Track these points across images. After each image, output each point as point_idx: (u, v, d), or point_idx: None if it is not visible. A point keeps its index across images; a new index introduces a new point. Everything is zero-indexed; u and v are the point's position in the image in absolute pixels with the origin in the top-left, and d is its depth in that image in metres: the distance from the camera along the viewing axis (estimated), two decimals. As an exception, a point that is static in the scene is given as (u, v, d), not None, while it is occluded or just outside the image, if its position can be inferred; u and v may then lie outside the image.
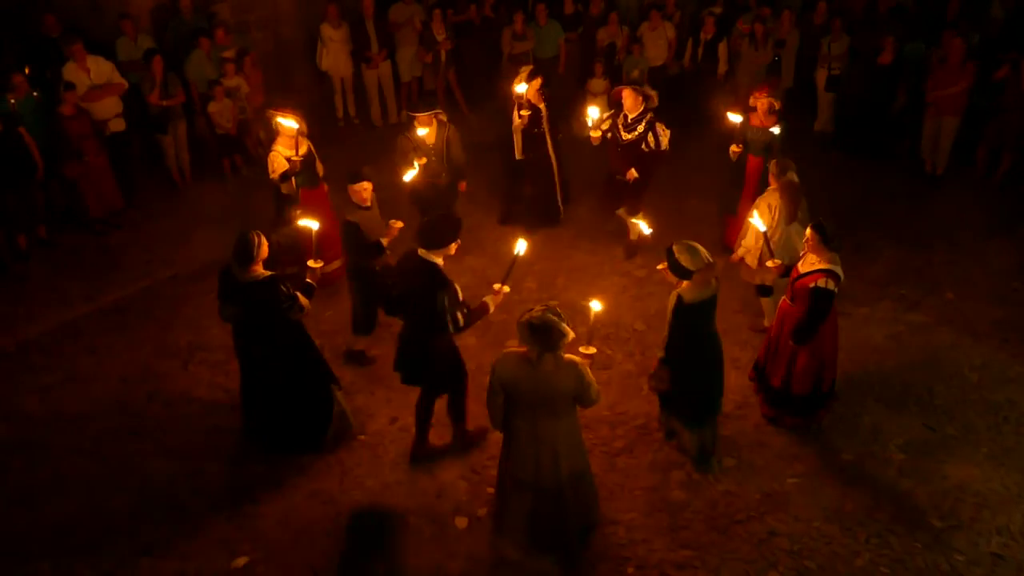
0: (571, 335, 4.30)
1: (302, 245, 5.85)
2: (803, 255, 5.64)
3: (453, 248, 5.13)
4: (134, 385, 6.52)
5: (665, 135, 7.49)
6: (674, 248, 5.09)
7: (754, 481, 5.49)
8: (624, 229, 8.04)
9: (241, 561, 5.02)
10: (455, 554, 5.03)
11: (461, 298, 5.10)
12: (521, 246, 5.17)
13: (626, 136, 7.50)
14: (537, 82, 7.86)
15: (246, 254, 5.13)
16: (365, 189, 6.14)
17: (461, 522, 5.24)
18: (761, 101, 7.33)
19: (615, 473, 5.56)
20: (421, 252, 5.07)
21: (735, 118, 7.20)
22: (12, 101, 7.84)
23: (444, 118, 7.45)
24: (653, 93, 7.72)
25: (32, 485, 5.59)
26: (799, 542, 5.06)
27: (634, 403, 6.17)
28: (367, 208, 6.20)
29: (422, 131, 7.32)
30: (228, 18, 10.20)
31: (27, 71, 8.14)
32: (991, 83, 8.86)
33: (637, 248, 7.96)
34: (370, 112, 11.09)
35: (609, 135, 7.62)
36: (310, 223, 5.52)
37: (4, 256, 7.80)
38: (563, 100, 10.71)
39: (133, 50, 9.12)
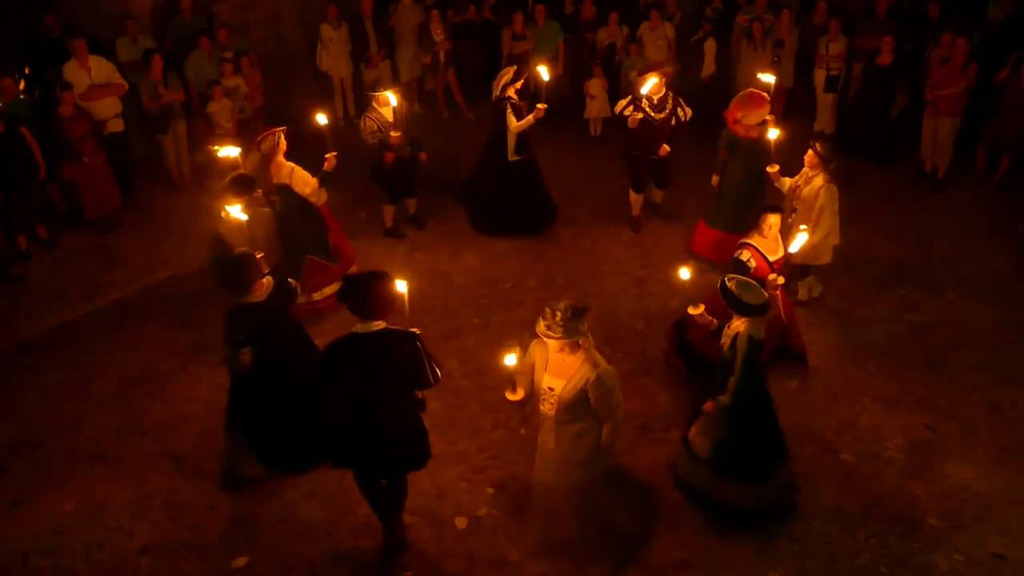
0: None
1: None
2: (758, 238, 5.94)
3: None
4: (134, 385, 6.52)
5: (687, 107, 7.96)
6: (729, 285, 4.81)
7: (754, 481, 5.48)
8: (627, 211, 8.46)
9: (241, 561, 5.02)
10: (455, 554, 5.03)
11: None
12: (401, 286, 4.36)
13: (658, 116, 7.79)
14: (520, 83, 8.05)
15: (249, 274, 4.98)
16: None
17: (461, 522, 5.24)
18: (748, 113, 7.28)
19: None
20: (359, 328, 4.40)
21: (773, 133, 6.79)
22: (0, 104, 7.78)
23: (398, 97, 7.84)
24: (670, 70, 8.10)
25: (32, 485, 5.59)
26: (799, 542, 5.06)
27: (634, 403, 6.16)
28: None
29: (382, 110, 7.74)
30: (228, 18, 10.20)
31: (27, 71, 8.12)
32: (991, 84, 8.86)
33: (640, 225, 8.49)
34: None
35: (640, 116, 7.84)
36: (235, 211, 5.50)
37: (4, 256, 7.79)
38: (561, 101, 10.78)
39: (133, 50, 9.12)
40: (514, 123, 7.95)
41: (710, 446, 5.06)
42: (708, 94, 10.18)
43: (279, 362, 5.22)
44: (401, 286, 4.31)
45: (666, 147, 7.93)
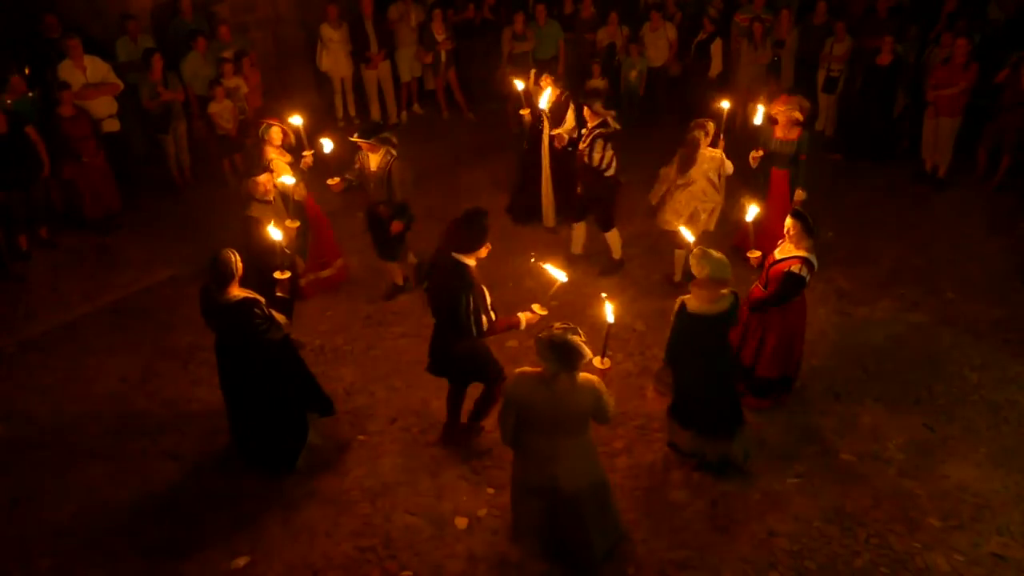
0: (589, 356, 4.20)
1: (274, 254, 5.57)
2: (781, 244, 5.69)
3: (484, 251, 5.03)
4: (134, 385, 6.52)
5: (604, 156, 7.16)
6: (695, 250, 5.04)
7: (754, 481, 5.49)
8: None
9: (241, 561, 5.02)
10: (455, 554, 5.03)
11: (489, 303, 5.02)
12: (609, 311, 4.54)
13: (581, 145, 7.35)
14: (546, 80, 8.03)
15: (224, 275, 4.95)
16: (267, 181, 6.21)
17: (461, 522, 5.24)
18: (782, 112, 7.23)
19: (615, 473, 5.55)
20: (453, 254, 5.00)
21: (725, 104, 7.09)
22: (9, 101, 7.82)
23: (393, 152, 6.80)
24: (607, 114, 7.30)
25: (32, 485, 5.59)
26: (799, 542, 5.06)
27: (634, 403, 6.16)
28: (268, 202, 6.24)
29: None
30: (228, 18, 10.20)
31: (27, 71, 8.13)
32: (991, 84, 8.86)
33: (615, 267, 7.83)
34: (370, 112, 11.10)
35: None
36: (275, 233, 5.35)
37: (4, 256, 7.80)
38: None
39: (133, 50, 9.13)
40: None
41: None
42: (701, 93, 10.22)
43: (225, 365, 5.32)
44: (561, 275, 4.61)
45: (579, 187, 7.44)
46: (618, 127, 7.29)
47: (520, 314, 5.06)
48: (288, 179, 6.45)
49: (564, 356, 4.14)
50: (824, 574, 4.88)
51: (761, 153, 7.20)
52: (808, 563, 4.93)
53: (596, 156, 7.18)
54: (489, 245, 5.06)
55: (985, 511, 5.23)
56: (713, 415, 5.36)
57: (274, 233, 5.36)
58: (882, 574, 4.86)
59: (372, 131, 6.81)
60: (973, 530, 5.11)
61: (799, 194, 7.27)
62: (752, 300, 5.69)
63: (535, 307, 4.99)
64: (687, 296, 5.09)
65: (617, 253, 7.80)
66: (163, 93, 8.90)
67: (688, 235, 5.56)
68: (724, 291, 5.01)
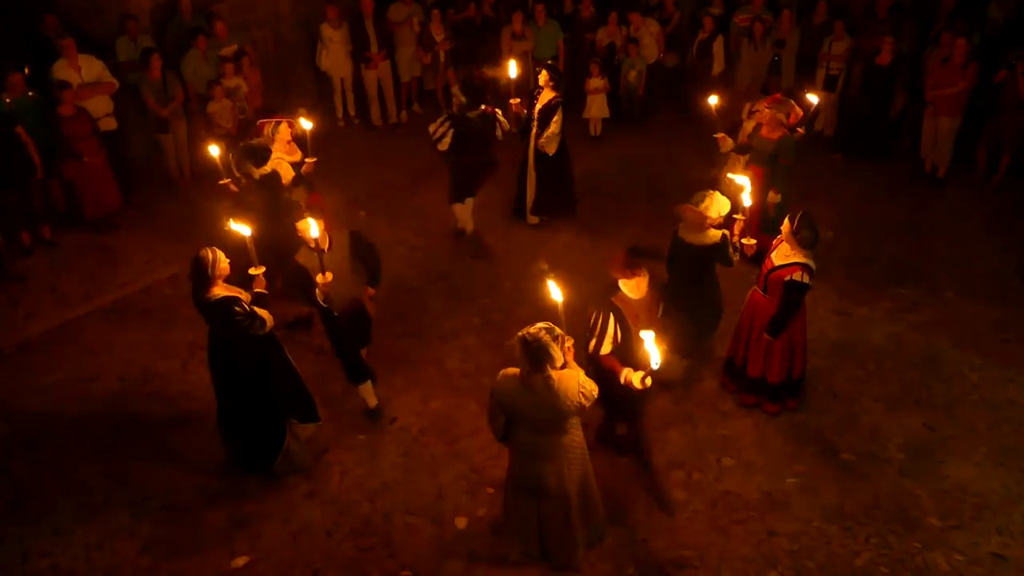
0: (560, 361, 4.18)
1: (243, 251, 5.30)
2: (776, 245, 5.67)
3: (636, 281, 4.91)
4: (134, 385, 6.52)
5: (439, 129, 7.64)
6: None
7: (754, 481, 5.49)
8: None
9: (241, 561, 5.02)
10: (455, 554, 5.03)
11: (610, 336, 4.92)
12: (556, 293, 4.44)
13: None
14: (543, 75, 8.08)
15: (202, 276, 4.97)
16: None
17: (461, 522, 5.25)
18: (766, 111, 7.22)
19: (615, 474, 5.56)
20: (613, 273, 5.07)
21: (712, 100, 7.05)
22: (8, 100, 7.81)
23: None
24: (459, 97, 8.03)
25: (32, 485, 5.59)
26: (799, 542, 5.07)
27: (634, 403, 6.16)
28: (322, 250, 5.54)
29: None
30: (228, 18, 10.19)
31: (27, 71, 8.13)
32: (990, 84, 8.86)
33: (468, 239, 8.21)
34: (370, 112, 11.10)
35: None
36: (242, 229, 5.15)
37: (3, 256, 7.79)
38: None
39: (133, 50, 9.13)
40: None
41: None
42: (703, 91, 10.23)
43: (214, 362, 5.34)
44: (557, 294, 4.34)
45: None
46: (455, 112, 7.79)
47: (627, 369, 4.78)
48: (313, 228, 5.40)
49: (532, 357, 4.13)
50: (824, 574, 4.88)
51: (722, 136, 7.24)
52: (808, 563, 4.93)
53: (432, 127, 7.67)
54: (644, 277, 4.92)
55: (985, 511, 5.24)
56: (682, 331, 5.67)
57: (241, 229, 5.21)
58: (882, 574, 4.87)
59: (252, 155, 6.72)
60: (973, 530, 5.11)
61: (771, 196, 7.20)
62: (768, 325, 5.65)
63: (638, 375, 4.61)
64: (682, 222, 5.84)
65: (468, 226, 8.21)
66: (164, 112, 8.96)
67: (740, 180, 5.65)
68: (713, 232, 5.68)
